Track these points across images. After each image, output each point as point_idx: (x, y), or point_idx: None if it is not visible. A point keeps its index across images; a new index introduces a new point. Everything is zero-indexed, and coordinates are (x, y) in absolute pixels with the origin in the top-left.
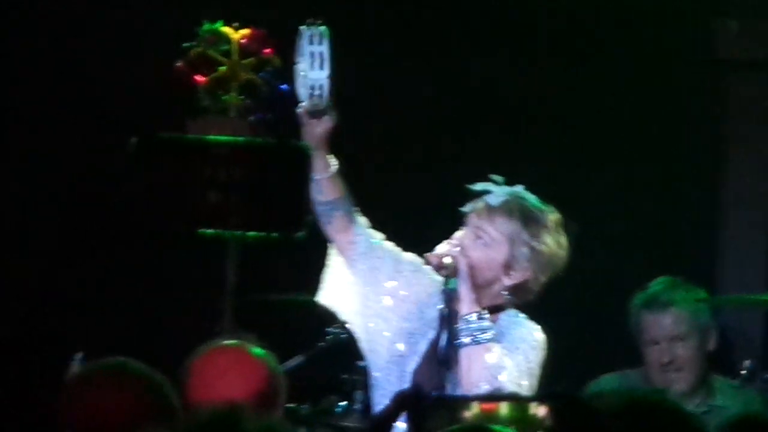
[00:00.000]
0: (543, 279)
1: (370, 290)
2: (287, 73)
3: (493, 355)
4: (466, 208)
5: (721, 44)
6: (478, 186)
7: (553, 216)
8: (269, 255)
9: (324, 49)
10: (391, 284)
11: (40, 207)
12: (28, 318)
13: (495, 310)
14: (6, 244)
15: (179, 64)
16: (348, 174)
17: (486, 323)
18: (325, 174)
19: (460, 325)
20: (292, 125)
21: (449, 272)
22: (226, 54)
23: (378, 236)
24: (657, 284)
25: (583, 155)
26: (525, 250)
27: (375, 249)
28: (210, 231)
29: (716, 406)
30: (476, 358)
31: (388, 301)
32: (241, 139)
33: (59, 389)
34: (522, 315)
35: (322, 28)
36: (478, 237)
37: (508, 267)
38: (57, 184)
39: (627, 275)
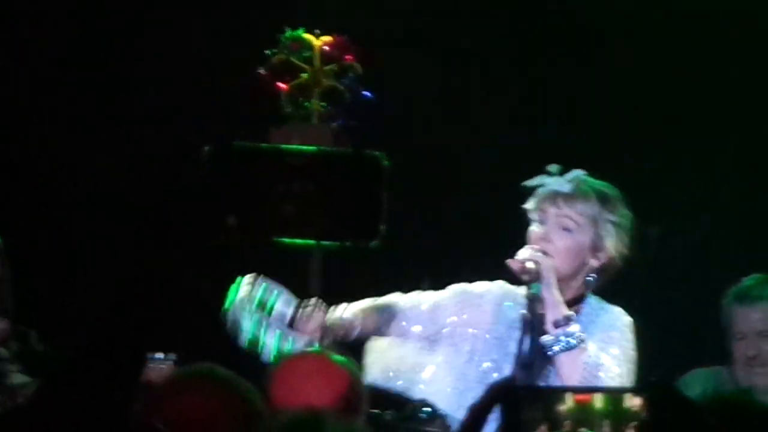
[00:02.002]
0: (626, 253)
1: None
2: (369, 79)
3: (589, 353)
4: (529, 205)
5: None
6: (535, 181)
7: (616, 191)
8: (352, 263)
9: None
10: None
11: (126, 214)
12: (115, 321)
13: (577, 300)
14: (96, 247)
15: (262, 71)
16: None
17: (574, 326)
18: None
19: (550, 332)
20: (375, 131)
21: (532, 277)
22: (308, 61)
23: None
24: (750, 279)
25: (663, 158)
26: (609, 226)
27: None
28: (286, 240)
29: None
30: (573, 362)
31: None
32: (314, 148)
33: (137, 390)
34: (603, 300)
35: None
36: (562, 226)
37: (595, 249)
38: (135, 192)
39: (713, 272)
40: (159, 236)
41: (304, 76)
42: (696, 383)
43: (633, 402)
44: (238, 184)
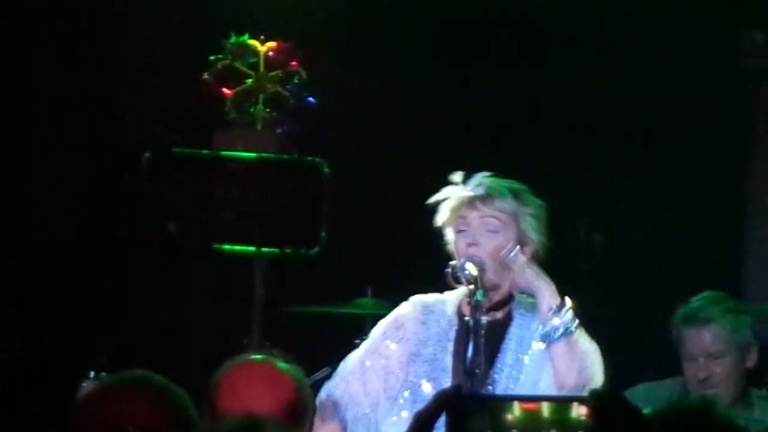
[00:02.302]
0: (546, 242)
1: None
2: (313, 85)
3: (581, 341)
4: (445, 217)
5: (747, 55)
6: (442, 193)
7: (523, 185)
8: (296, 269)
9: None
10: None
11: (60, 221)
12: (49, 334)
13: (507, 301)
14: (26, 259)
15: (206, 76)
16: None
17: (569, 310)
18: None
19: (547, 320)
20: (318, 138)
21: (475, 283)
22: (253, 67)
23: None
24: (699, 299)
25: (608, 167)
26: (529, 219)
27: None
28: (226, 247)
29: (754, 420)
30: (571, 350)
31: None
32: (254, 155)
33: (72, 403)
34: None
35: None
36: (487, 228)
37: (521, 244)
38: (76, 200)
39: (654, 287)
40: (98, 244)
41: (249, 81)
42: (645, 395)
43: (580, 411)
44: (178, 191)
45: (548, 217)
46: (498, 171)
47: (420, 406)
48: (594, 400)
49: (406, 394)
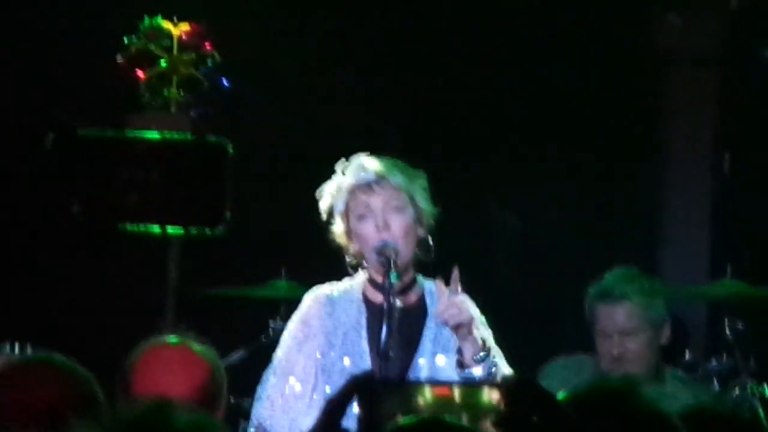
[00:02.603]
0: (434, 211)
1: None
2: (226, 67)
3: (501, 369)
4: (341, 207)
5: (662, 37)
6: (328, 186)
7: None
8: (210, 250)
9: None
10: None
11: None
12: None
13: (412, 283)
14: None
15: (120, 59)
16: None
17: (492, 356)
18: None
19: (472, 367)
20: (232, 120)
21: (389, 267)
22: (167, 49)
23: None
24: (612, 276)
25: (523, 149)
26: (420, 191)
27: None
28: (131, 227)
29: (665, 395)
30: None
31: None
32: (158, 135)
33: None
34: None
35: None
36: (392, 208)
37: (419, 219)
38: None
39: (571, 264)
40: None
41: (163, 64)
42: (558, 371)
43: (491, 395)
44: (82, 171)
45: (462, 199)
46: (412, 154)
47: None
48: (505, 384)
49: (327, 388)
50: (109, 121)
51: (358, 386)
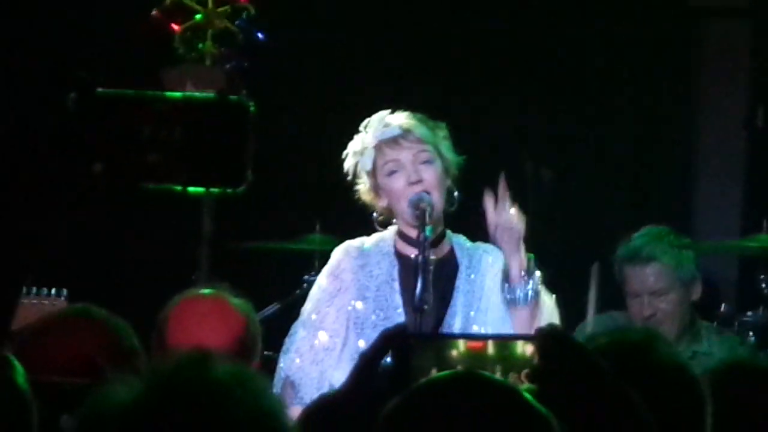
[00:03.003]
0: (458, 160)
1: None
2: (262, 20)
3: (544, 299)
4: (368, 164)
5: None
6: (354, 145)
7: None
8: (245, 204)
9: None
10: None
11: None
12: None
13: (442, 236)
14: None
15: (154, 12)
16: None
17: (536, 272)
18: None
19: (517, 283)
20: (267, 73)
21: (423, 220)
22: (201, 2)
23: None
24: (640, 236)
25: (558, 104)
26: (446, 143)
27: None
28: (152, 186)
29: (701, 353)
30: (535, 313)
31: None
32: (179, 94)
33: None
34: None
35: None
36: (422, 161)
37: (446, 170)
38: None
39: (604, 219)
40: (25, 183)
41: (197, 17)
42: (593, 329)
43: (525, 349)
44: (103, 132)
45: (495, 154)
46: (447, 109)
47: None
48: (540, 338)
49: (360, 342)
50: (143, 75)
51: (391, 340)
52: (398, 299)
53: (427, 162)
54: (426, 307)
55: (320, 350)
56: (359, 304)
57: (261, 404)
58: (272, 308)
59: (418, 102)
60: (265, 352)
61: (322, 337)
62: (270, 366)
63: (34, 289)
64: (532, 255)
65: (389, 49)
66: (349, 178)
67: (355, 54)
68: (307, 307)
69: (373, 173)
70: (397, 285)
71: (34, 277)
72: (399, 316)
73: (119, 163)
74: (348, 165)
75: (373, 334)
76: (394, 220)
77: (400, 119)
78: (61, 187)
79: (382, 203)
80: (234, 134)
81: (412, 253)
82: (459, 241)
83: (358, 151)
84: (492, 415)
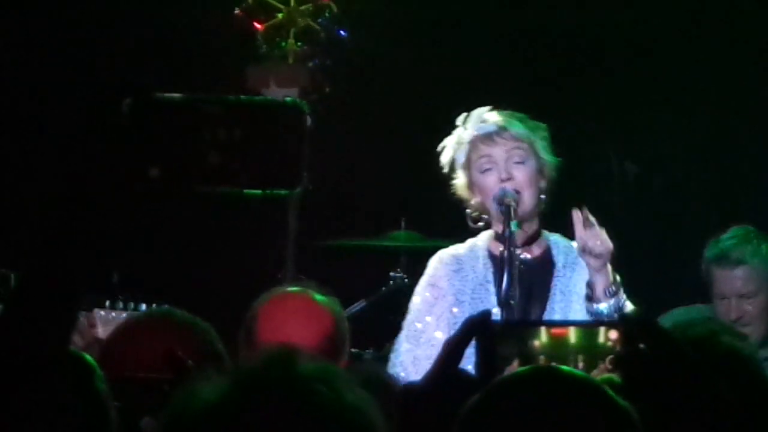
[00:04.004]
0: (556, 162)
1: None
2: (344, 18)
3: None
4: (462, 158)
5: None
6: (451, 139)
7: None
8: (330, 202)
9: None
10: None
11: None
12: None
13: (536, 236)
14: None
15: (238, 11)
16: None
17: (621, 291)
18: None
19: (602, 300)
20: (349, 70)
21: (509, 215)
22: (284, 0)
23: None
24: (728, 238)
25: (643, 98)
26: (541, 143)
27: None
28: (209, 190)
29: None
30: None
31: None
32: (233, 98)
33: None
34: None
35: None
36: (515, 160)
37: (541, 170)
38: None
39: (689, 213)
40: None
41: (280, 15)
42: (678, 320)
43: (609, 336)
44: (159, 136)
45: (581, 149)
46: (531, 106)
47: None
48: (624, 324)
49: None
50: (228, 74)
51: (475, 327)
52: (493, 300)
53: (520, 160)
54: (513, 302)
55: (424, 361)
56: (456, 310)
57: (346, 400)
58: (358, 305)
59: (504, 97)
60: (352, 350)
61: (426, 348)
62: (357, 364)
63: (132, 305)
64: (618, 275)
65: (475, 45)
66: (445, 170)
67: (442, 49)
68: (409, 318)
69: (467, 168)
70: (491, 287)
71: (122, 290)
72: (496, 317)
73: (176, 167)
74: (444, 158)
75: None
76: (485, 216)
77: (497, 116)
78: (119, 193)
79: (476, 199)
80: (289, 136)
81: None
82: (555, 240)
83: (454, 146)
84: (572, 411)
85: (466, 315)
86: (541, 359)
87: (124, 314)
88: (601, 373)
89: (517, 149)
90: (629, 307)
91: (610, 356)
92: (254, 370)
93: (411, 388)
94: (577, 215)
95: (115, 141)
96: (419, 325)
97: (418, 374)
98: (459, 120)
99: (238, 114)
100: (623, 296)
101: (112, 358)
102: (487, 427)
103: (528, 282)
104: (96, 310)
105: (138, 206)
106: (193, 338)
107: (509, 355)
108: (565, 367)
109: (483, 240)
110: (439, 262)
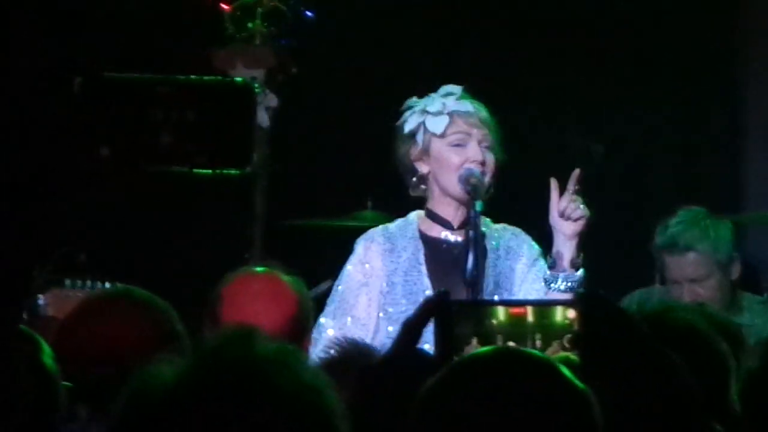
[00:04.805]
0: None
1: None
2: None
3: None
4: (439, 128)
5: None
6: (434, 104)
7: None
8: (297, 181)
9: None
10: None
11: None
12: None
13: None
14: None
15: None
16: None
17: (582, 272)
18: None
19: (563, 269)
20: (316, 51)
21: (475, 195)
22: None
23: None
24: (676, 223)
25: (605, 77)
26: (498, 140)
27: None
28: (159, 169)
29: (744, 325)
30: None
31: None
32: (183, 77)
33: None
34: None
35: None
36: (485, 145)
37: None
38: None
39: (652, 191)
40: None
41: None
42: (635, 303)
43: (566, 314)
44: (110, 115)
45: (545, 131)
46: (495, 89)
47: None
48: (580, 303)
49: (390, 328)
50: (194, 55)
51: (433, 308)
52: (426, 282)
53: (489, 146)
54: (477, 282)
55: (350, 341)
56: (388, 289)
57: (304, 381)
58: (325, 285)
59: (469, 78)
60: None
61: (351, 326)
62: None
63: (89, 283)
64: (582, 254)
65: (440, 26)
66: (406, 131)
67: (405, 30)
68: (335, 298)
69: (437, 137)
70: (424, 268)
71: (87, 267)
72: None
73: (125, 147)
74: (413, 120)
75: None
76: (423, 187)
77: (472, 100)
78: (68, 172)
79: (423, 169)
80: (239, 116)
81: (438, 233)
82: (487, 222)
83: (432, 112)
84: (531, 392)
85: (398, 297)
86: (499, 338)
87: (80, 294)
88: (559, 351)
89: (486, 135)
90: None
91: (568, 335)
92: (211, 351)
93: (369, 368)
94: (554, 182)
95: (66, 120)
96: (343, 308)
97: (343, 355)
98: (438, 93)
99: (189, 94)
100: (581, 277)
101: (69, 337)
102: (446, 407)
103: (460, 264)
104: (55, 289)
105: (88, 185)
106: (150, 317)
107: (467, 334)
108: (525, 349)
109: (413, 220)
110: (370, 240)
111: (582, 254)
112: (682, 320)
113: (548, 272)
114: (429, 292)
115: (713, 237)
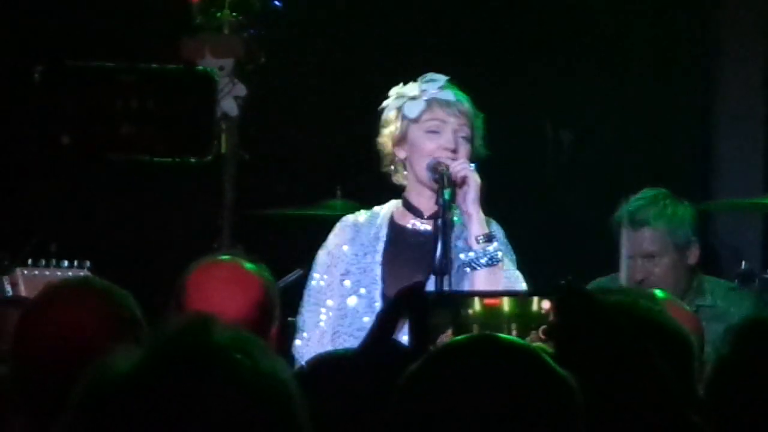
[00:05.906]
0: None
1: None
2: None
3: (505, 267)
4: (414, 113)
5: None
6: (412, 89)
7: None
8: (266, 170)
9: None
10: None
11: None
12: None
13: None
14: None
15: None
16: None
17: (494, 242)
18: None
19: (476, 248)
20: (284, 40)
21: (443, 183)
22: None
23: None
24: (637, 200)
25: (575, 65)
26: (480, 132)
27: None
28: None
29: (705, 306)
30: (494, 277)
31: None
32: (145, 66)
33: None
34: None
35: None
36: (462, 135)
37: (471, 155)
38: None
39: (622, 182)
40: None
41: None
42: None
43: (541, 305)
44: (71, 103)
45: (515, 117)
46: (463, 72)
47: (356, 327)
48: (555, 293)
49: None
50: (163, 45)
51: (407, 299)
52: (379, 270)
53: (466, 137)
54: (446, 271)
55: (324, 327)
56: (344, 275)
57: (262, 368)
58: (295, 274)
59: (439, 66)
60: (289, 318)
61: (325, 313)
62: (294, 332)
63: (54, 261)
64: (490, 219)
65: (410, 14)
66: (384, 116)
67: (373, 19)
68: (309, 284)
69: (413, 123)
70: (379, 256)
71: (57, 250)
72: (376, 287)
73: (86, 135)
74: (392, 105)
75: (357, 308)
76: (406, 173)
77: (453, 88)
78: (29, 159)
79: (400, 154)
80: (201, 105)
81: (407, 222)
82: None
83: (411, 97)
84: (511, 378)
85: (355, 285)
86: (475, 328)
87: (47, 272)
88: (534, 342)
89: (465, 126)
90: (506, 262)
91: (543, 326)
92: (169, 339)
93: (346, 360)
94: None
95: (26, 108)
96: (316, 294)
97: (321, 340)
98: (416, 82)
99: (150, 83)
100: (497, 252)
101: (30, 324)
102: (427, 394)
103: (424, 254)
104: (18, 269)
105: (49, 173)
106: (109, 305)
107: (442, 324)
108: (503, 335)
109: (388, 208)
110: (340, 228)
111: (492, 228)
112: (648, 310)
113: (461, 256)
114: (378, 276)
115: (670, 215)
